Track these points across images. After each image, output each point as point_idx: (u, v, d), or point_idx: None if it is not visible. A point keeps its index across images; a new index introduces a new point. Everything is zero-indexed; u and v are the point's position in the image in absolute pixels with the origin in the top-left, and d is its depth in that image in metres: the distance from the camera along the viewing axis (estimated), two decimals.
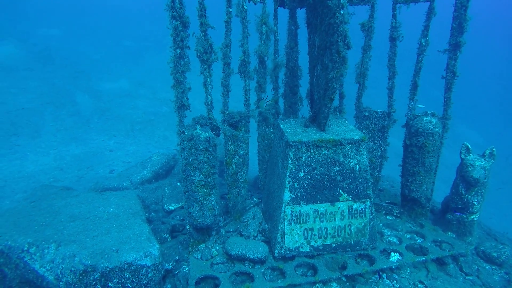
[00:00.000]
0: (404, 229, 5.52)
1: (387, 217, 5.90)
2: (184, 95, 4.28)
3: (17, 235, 3.70)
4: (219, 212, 4.96)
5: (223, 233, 5.28)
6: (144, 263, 3.52)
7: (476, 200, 5.35)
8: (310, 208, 4.64)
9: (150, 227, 4.15)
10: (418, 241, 5.27)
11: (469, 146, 5.32)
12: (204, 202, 4.63)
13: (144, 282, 3.56)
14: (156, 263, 3.61)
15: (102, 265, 3.38)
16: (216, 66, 4.94)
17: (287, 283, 4.31)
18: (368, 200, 4.76)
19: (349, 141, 4.54)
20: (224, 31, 4.68)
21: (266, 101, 5.53)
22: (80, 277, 3.36)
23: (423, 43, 5.02)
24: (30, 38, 17.38)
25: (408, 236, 5.38)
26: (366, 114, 5.65)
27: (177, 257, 4.97)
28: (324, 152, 4.54)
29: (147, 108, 13.32)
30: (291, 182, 4.55)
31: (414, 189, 5.47)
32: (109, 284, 3.46)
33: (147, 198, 6.63)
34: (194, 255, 4.82)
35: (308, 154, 4.53)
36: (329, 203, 4.66)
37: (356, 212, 4.76)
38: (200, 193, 4.56)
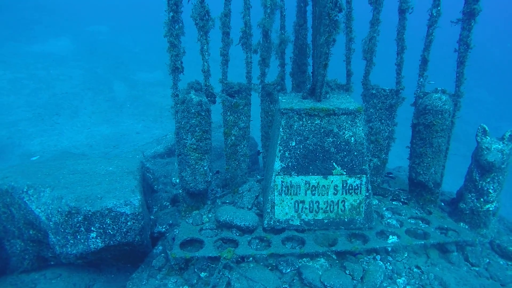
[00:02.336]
0: (409, 214, 5.18)
1: (393, 202, 5.58)
2: (178, 58, 4.43)
3: (20, 178, 4.08)
4: (212, 179, 5.03)
5: (219, 203, 5.34)
6: (123, 211, 3.69)
7: (492, 187, 4.89)
8: (302, 179, 4.54)
9: (138, 183, 4.32)
10: (423, 227, 4.92)
11: (486, 128, 4.88)
12: (196, 167, 4.73)
13: (124, 230, 3.73)
14: (135, 213, 3.77)
15: (85, 208, 3.61)
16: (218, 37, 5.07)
17: (270, 252, 4.26)
18: (364, 175, 4.54)
19: (343, 111, 4.38)
20: (224, 1, 4.76)
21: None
22: (66, 218, 3.62)
23: (434, 14, 4.70)
24: (82, 33, 18.98)
25: (412, 221, 5.04)
26: (374, 92, 5.40)
27: (171, 221, 5.13)
28: (317, 121, 4.43)
29: None
30: (282, 151, 4.50)
31: (421, 172, 5.11)
32: (92, 228, 3.68)
33: (157, 171, 6.92)
34: (186, 220, 4.94)
35: (300, 123, 4.44)
36: (322, 176, 4.53)
37: (350, 187, 4.57)
38: (192, 157, 4.67)
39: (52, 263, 4.72)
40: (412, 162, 5.25)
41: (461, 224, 5.20)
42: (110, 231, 3.68)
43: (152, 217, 5.19)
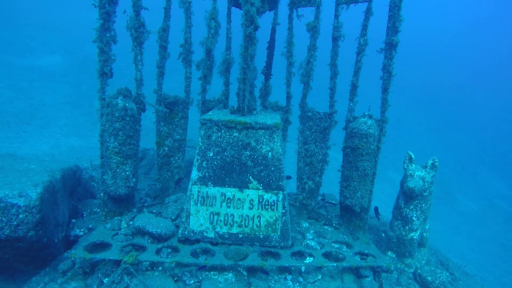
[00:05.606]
0: (334, 238, 5.09)
1: (324, 227, 5.49)
2: (106, 63, 4.61)
3: None
4: (135, 185, 5.01)
5: (146, 212, 5.27)
6: (15, 202, 3.63)
7: (415, 215, 4.84)
8: (218, 191, 4.53)
9: (52, 180, 4.29)
10: (344, 251, 4.80)
11: (412, 156, 4.94)
12: (117, 170, 4.73)
13: (14, 223, 3.64)
14: (30, 205, 3.70)
15: None
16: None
17: (174, 260, 4.14)
18: (281, 192, 4.53)
19: (261, 126, 4.46)
20: (163, 17, 5.04)
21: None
22: None
23: (362, 43, 4.94)
24: (77, 52, 19.65)
25: (336, 245, 4.93)
26: (310, 114, 5.52)
27: (90, 226, 5.03)
28: (235, 134, 4.50)
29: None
30: (199, 161, 4.52)
31: (348, 196, 5.09)
32: None
33: None
34: (105, 225, 4.85)
35: (219, 134, 4.51)
36: (238, 189, 4.51)
37: (267, 203, 4.54)
38: (113, 160, 4.69)
39: None
40: (341, 186, 5.24)
41: (389, 253, 5.09)
42: None
43: (73, 220, 5.10)
